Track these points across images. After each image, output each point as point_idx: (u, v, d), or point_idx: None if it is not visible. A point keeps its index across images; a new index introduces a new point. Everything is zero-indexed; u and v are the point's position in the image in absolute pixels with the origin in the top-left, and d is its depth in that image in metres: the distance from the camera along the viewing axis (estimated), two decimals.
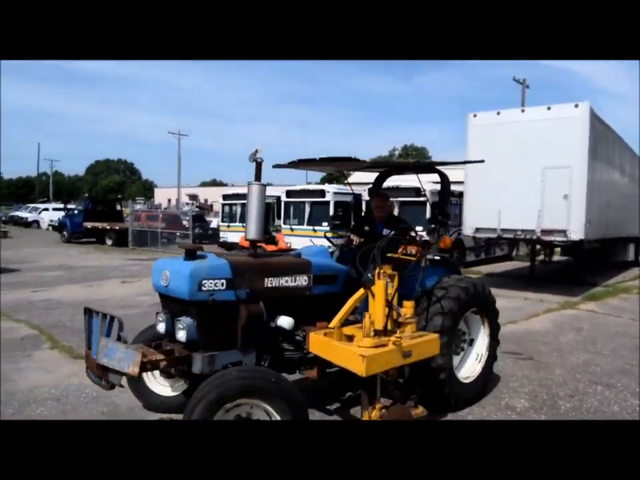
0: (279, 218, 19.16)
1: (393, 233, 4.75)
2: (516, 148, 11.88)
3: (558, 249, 17.21)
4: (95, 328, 3.87)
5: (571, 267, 16.95)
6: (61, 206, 33.98)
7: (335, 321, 4.20)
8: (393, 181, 17.58)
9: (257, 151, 4.30)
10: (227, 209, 20.90)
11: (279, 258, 4.69)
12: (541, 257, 17.29)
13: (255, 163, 4.30)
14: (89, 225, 24.53)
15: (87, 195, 37.72)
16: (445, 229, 5.40)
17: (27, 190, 78.82)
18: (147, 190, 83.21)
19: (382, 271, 4.01)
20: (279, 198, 19.21)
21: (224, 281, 3.98)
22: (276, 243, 15.58)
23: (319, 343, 4.11)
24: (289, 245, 17.58)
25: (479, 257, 18.06)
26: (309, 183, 33.04)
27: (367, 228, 5.41)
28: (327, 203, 18.04)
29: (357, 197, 18.48)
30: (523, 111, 12.64)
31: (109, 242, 24.27)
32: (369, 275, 4.04)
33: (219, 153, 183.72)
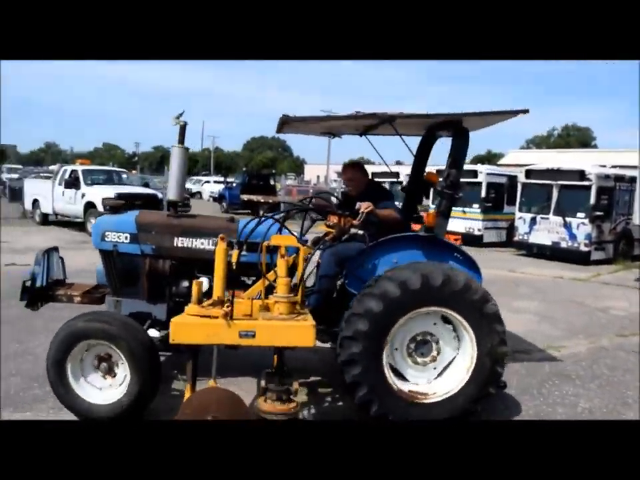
0: (427, 198, 18.86)
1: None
2: None
3: None
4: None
5: None
6: (221, 179, 36.62)
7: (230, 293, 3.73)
8: (553, 163, 16.49)
9: (180, 115, 4.34)
10: None
11: (199, 220, 4.65)
12: None
13: (178, 126, 4.35)
14: (245, 197, 26.14)
15: (244, 169, 40.21)
16: (449, 202, 4.43)
17: (191, 164, 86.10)
18: (298, 166, 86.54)
19: (223, 236, 3.65)
20: None
21: (128, 235, 4.39)
22: (423, 222, 15.30)
23: None
24: None
25: None
26: None
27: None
28: (479, 183, 17.40)
29: (512, 179, 17.68)
30: None
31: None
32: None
33: None
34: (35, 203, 18.14)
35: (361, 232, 4.25)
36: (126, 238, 4.39)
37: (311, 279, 4.70)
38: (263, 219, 4.07)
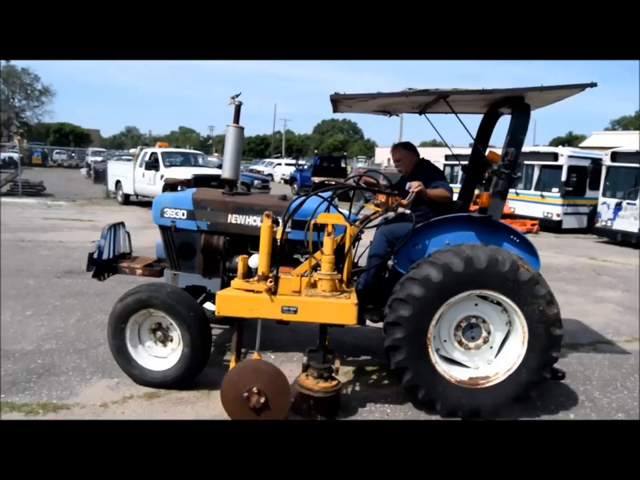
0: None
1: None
2: None
3: None
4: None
5: None
6: (292, 161, 36.97)
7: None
8: (634, 144, 15.44)
9: (237, 95, 4.40)
10: (448, 170, 20.56)
11: (253, 197, 4.80)
12: None
13: (233, 106, 4.40)
14: (316, 179, 26.30)
15: (315, 151, 40.40)
16: (506, 182, 4.21)
17: (263, 147, 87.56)
18: (368, 149, 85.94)
19: (268, 213, 3.72)
20: None
21: (185, 212, 4.57)
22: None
23: None
24: (512, 210, 16.71)
25: None
26: (536, 145, 30.60)
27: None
28: (560, 167, 16.57)
29: (596, 161, 16.72)
30: None
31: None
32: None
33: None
34: (118, 183, 19.08)
35: (408, 211, 4.17)
36: (183, 214, 4.59)
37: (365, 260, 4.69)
38: (314, 197, 4.06)
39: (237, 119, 4.51)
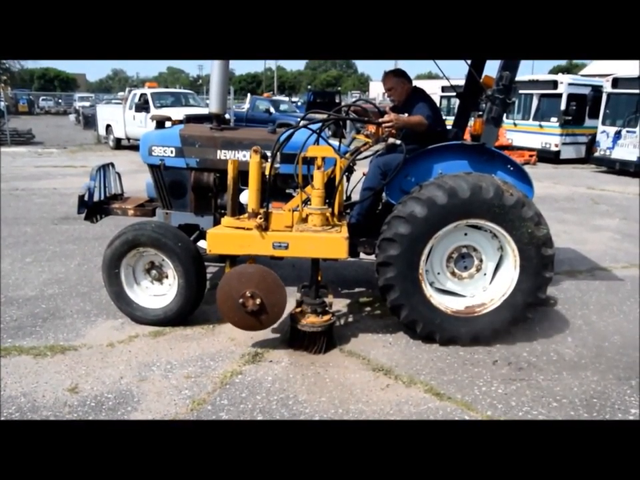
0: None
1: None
2: None
3: None
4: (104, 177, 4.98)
5: None
6: (285, 99, 36.08)
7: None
8: None
9: None
10: (444, 102, 20.16)
11: (241, 132, 4.65)
12: None
13: None
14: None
15: (308, 87, 39.35)
16: (500, 108, 4.03)
17: (254, 84, 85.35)
18: (362, 83, 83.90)
19: (256, 148, 3.64)
20: None
21: (173, 149, 4.48)
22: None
23: None
24: (510, 141, 16.48)
25: None
26: (534, 74, 29.83)
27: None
28: (559, 95, 16.22)
29: (597, 89, 16.35)
30: None
31: (329, 132, 25.28)
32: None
33: None
34: (108, 128, 18.64)
35: (398, 142, 4.05)
36: (171, 152, 4.50)
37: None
38: (302, 129, 3.95)
39: None
